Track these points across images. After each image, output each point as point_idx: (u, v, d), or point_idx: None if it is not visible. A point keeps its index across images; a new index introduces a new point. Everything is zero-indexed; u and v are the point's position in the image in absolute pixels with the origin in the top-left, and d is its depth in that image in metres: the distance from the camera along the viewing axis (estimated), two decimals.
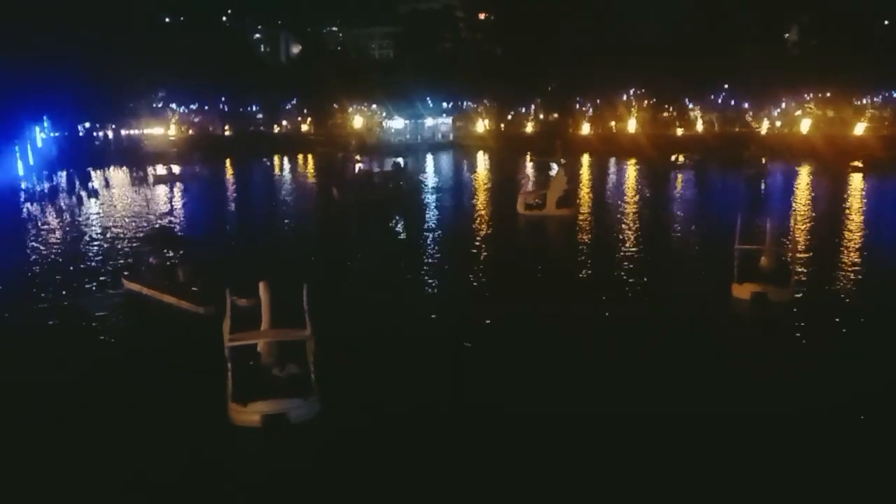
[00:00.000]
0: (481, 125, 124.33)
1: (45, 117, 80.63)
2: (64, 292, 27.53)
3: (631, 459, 14.33)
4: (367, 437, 15.31)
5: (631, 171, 76.59)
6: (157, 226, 41.58)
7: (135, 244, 35.01)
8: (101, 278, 29.60)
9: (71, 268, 32.05)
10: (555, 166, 58.35)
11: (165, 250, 28.87)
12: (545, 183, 49.03)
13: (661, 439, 15.06)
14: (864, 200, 51.13)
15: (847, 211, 45.36)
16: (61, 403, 17.27)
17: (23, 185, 61.96)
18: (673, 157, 75.41)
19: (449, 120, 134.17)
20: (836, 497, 13.16)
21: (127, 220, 45.66)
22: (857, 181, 60.39)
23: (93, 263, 33.14)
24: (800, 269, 28.13)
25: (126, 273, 28.25)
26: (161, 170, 71.78)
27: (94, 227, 43.29)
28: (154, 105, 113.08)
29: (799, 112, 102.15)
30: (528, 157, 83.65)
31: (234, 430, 15.64)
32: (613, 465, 14.11)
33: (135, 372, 19.24)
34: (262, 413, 15.36)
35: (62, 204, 53.42)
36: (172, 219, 47.16)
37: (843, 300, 25.15)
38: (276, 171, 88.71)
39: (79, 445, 15.22)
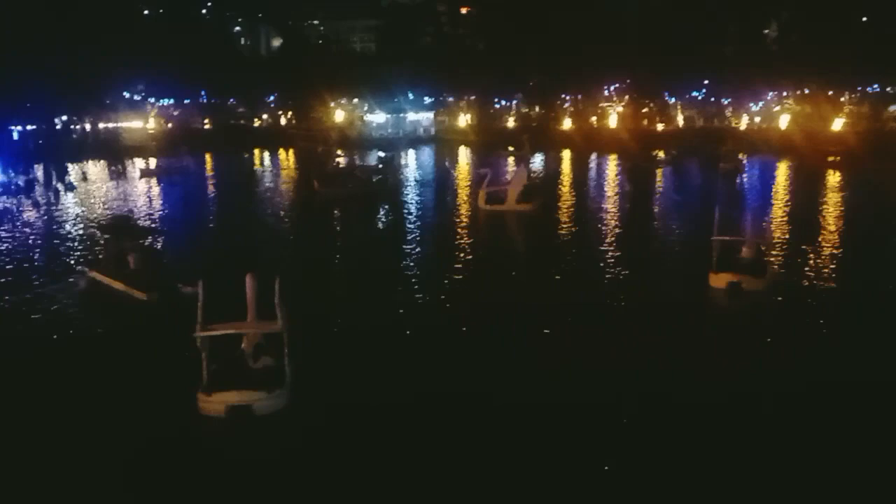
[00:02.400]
0: (463, 120, 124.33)
1: (21, 110, 79.74)
2: (34, 281, 27.85)
3: (597, 444, 14.51)
4: (336, 430, 15.31)
5: (609, 166, 76.96)
6: (114, 215, 41.57)
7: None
8: (72, 268, 29.87)
9: (43, 259, 32.40)
10: (512, 161, 58.33)
11: (122, 239, 29.14)
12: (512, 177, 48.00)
13: (625, 426, 15.33)
14: (841, 194, 51.74)
15: (824, 204, 45.90)
16: None
17: None
18: (654, 153, 75.88)
19: (431, 114, 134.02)
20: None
21: (103, 213, 45.30)
22: (834, 176, 61.05)
23: (66, 255, 33.36)
24: (777, 260, 28.56)
25: (86, 261, 29.07)
26: (146, 163, 71.19)
27: (69, 221, 43.03)
28: (133, 98, 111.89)
29: (778, 108, 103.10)
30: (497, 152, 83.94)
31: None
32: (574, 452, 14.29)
33: (63, 355, 20.00)
34: (227, 404, 15.41)
35: (38, 198, 52.86)
36: (150, 212, 46.97)
37: (818, 290, 25.50)
38: (257, 164, 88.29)
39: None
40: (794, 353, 19.34)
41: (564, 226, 39.90)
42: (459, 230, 38.90)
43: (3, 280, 28.49)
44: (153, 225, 41.04)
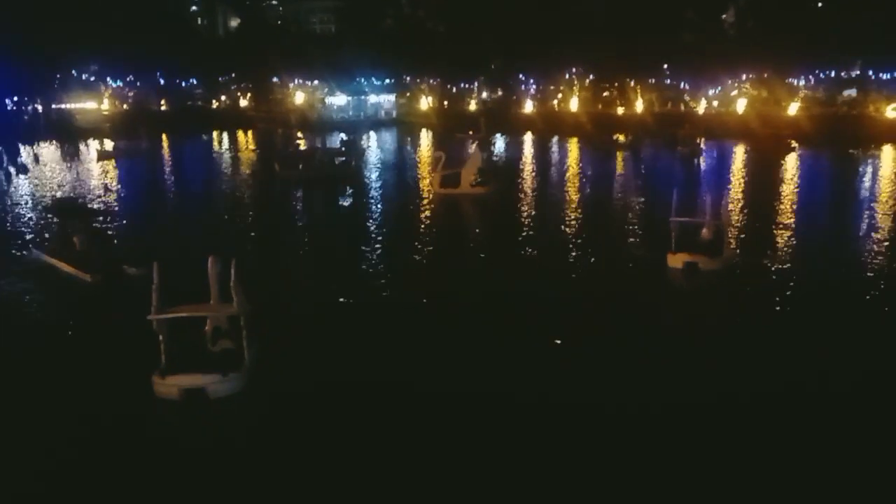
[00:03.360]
0: (425, 102, 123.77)
1: None
2: None
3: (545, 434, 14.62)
4: (289, 415, 15.27)
5: (570, 149, 77.39)
6: (62, 197, 40.95)
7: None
8: (20, 250, 29.63)
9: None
10: (470, 145, 58.12)
11: (69, 221, 29.18)
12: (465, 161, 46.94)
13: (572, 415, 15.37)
14: (797, 177, 52.75)
15: (780, 186, 46.73)
16: None
17: None
18: (614, 137, 76.35)
19: (392, 97, 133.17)
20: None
21: (56, 195, 44.30)
22: (790, 159, 62.14)
23: (17, 237, 32.93)
24: (734, 241, 29.09)
25: (35, 244, 29.09)
26: (102, 145, 69.68)
27: (21, 203, 42.08)
28: (86, 78, 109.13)
29: (735, 92, 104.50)
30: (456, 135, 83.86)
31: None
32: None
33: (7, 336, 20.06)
34: (180, 387, 15.35)
35: None
36: (104, 194, 46.09)
37: (773, 271, 25.99)
38: (216, 146, 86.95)
39: None
40: (742, 332, 19.76)
41: (520, 208, 39.97)
42: (413, 214, 38.66)
43: None
44: (103, 207, 40.51)
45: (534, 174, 55.93)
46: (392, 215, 38.70)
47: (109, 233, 33.55)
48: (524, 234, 33.28)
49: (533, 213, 38.89)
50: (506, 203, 41.53)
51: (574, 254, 29.28)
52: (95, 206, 39.60)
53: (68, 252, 26.12)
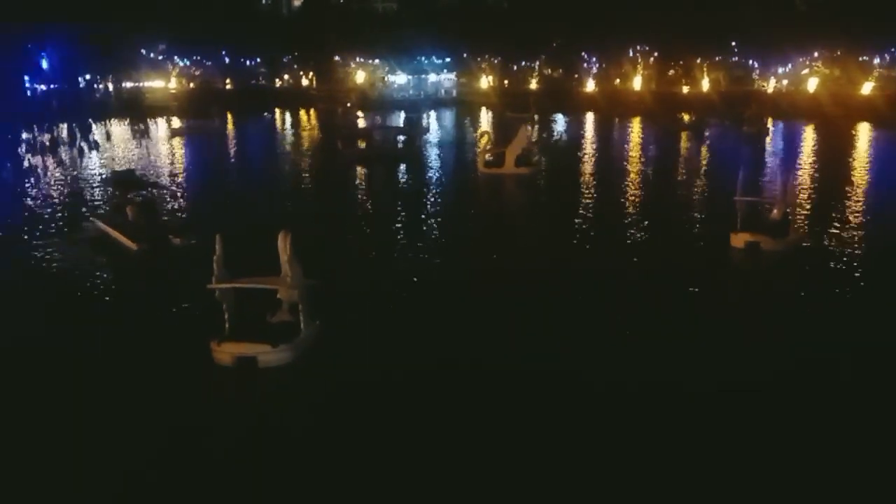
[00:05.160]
0: (485, 81, 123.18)
1: (43, 68, 79.71)
2: (50, 230, 30.16)
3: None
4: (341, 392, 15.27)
5: (631, 128, 76.18)
6: (120, 170, 42.79)
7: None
8: (85, 220, 30.92)
9: (63, 211, 34.13)
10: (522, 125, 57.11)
11: (127, 192, 31.17)
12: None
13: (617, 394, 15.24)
14: (869, 159, 50.93)
15: (852, 168, 45.25)
16: None
17: (24, 137, 61.57)
18: (678, 115, 74.91)
19: (452, 76, 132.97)
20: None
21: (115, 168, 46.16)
22: (862, 140, 60.04)
23: (84, 207, 34.62)
24: (801, 223, 28.36)
25: (95, 214, 30.73)
26: (173, 123, 71.70)
27: (92, 178, 43.74)
28: (154, 57, 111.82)
29: (806, 71, 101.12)
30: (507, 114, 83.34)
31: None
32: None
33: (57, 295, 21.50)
34: (233, 354, 15.95)
35: (63, 156, 53.24)
36: (172, 170, 47.73)
37: (839, 254, 25.18)
38: (279, 125, 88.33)
39: None
40: (798, 315, 19.23)
41: (578, 188, 39.37)
42: (470, 193, 39.00)
43: (26, 228, 30.22)
44: (166, 181, 42.14)
45: (593, 153, 55.28)
46: (451, 193, 38.77)
47: (171, 206, 34.83)
48: (582, 212, 32.98)
49: (591, 191, 38.48)
50: (561, 182, 41.20)
51: (631, 232, 28.92)
52: (158, 181, 41.17)
53: (120, 221, 27.58)
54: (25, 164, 49.12)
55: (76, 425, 13.75)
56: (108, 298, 21.54)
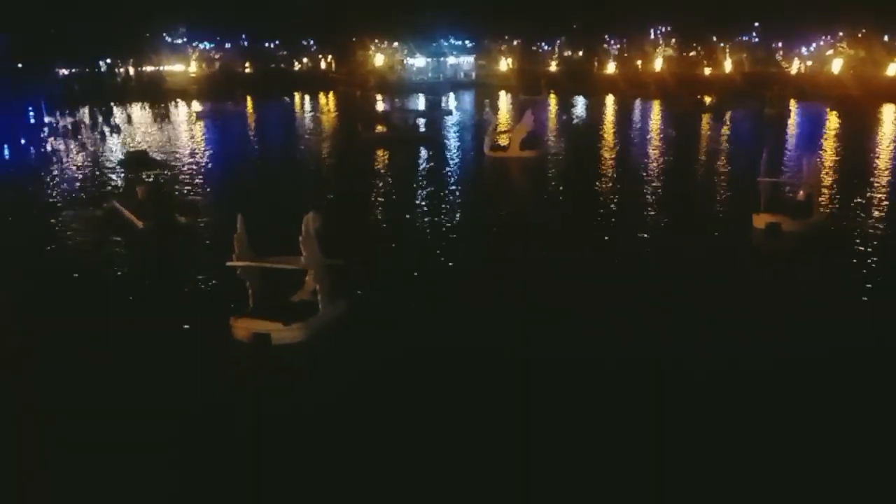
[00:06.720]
0: (504, 64, 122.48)
1: (64, 53, 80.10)
2: (69, 208, 31.35)
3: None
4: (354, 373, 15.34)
5: (652, 110, 75.50)
6: (133, 150, 44.21)
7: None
8: (103, 200, 31.84)
9: (83, 193, 35.27)
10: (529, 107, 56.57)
11: (140, 172, 32.76)
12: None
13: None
14: (894, 141, 50.15)
15: (876, 150, 44.62)
16: None
17: (46, 120, 62.11)
18: (699, 97, 74.19)
19: (471, 58, 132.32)
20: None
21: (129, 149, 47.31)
22: (887, 122, 59.17)
23: (102, 189, 35.82)
24: (825, 204, 28.13)
25: (111, 194, 32.31)
26: (194, 106, 72.25)
27: (112, 160, 44.32)
28: (174, 41, 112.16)
29: (830, 52, 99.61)
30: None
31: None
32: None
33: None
34: (249, 330, 16.31)
35: (85, 139, 53.71)
36: (194, 150, 48.62)
37: (862, 236, 24.92)
38: (298, 108, 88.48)
39: None
40: (809, 296, 19.01)
41: (595, 170, 39.03)
42: (490, 176, 39.13)
43: (46, 205, 32.35)
44: (183, 163, 42.85)
45: (612, 136, 54.91)
46: (471, 176, 38.85)
47: (185, 187, 35.32)
48: (602, 195, 32.85)
49: (609, 173, 38.36)
50: (577, 166, 40.88)
51: (649, 213, 28.81)
52: (173, 162, 42.13)
53: (131, 200, 28.54)
54: (49, 147, 49.91)
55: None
56: (103, 273, 22.16)
